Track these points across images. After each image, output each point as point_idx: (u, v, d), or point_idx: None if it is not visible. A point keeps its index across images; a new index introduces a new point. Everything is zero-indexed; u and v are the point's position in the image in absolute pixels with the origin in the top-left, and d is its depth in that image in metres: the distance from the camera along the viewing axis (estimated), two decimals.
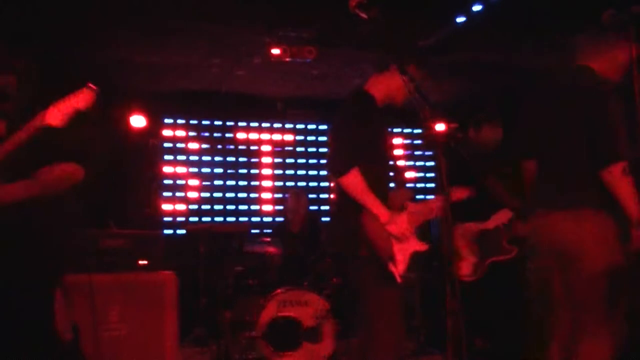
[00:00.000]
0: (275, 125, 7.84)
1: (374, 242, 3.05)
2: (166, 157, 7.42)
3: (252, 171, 7.70)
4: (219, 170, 7.58)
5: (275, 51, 5.62)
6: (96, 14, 4.96)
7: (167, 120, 7.46)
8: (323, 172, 7.89)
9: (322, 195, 7.86)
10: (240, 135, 7.69)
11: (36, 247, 2.45)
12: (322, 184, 7.89)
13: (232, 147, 7.65)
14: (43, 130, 2.18)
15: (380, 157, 3.22)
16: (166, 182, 7.38)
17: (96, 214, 5.39)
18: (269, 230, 7.25)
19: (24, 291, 2.36)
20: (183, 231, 7.23)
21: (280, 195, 7.66)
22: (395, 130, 8.15)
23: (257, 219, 7.63)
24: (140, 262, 4.84)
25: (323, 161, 7.89)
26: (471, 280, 4.29)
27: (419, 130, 8.05)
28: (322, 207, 7.80)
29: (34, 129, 2.17)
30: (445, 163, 2.86)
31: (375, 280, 3.07)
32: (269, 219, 7.65)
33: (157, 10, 5.05)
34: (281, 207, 7.49)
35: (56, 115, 2.17)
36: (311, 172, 7.88)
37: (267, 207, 7.69)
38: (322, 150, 7.91)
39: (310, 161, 7.90)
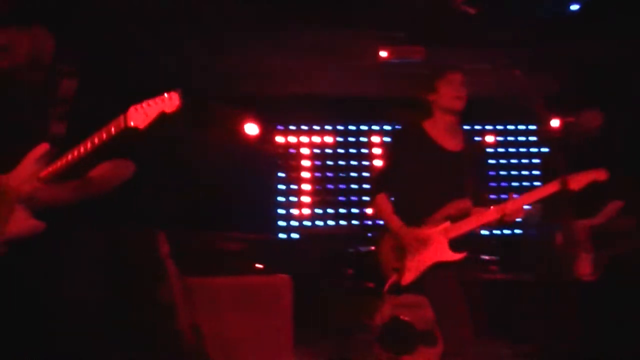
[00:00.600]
0: (387, 127, 7.79)
1: (380, 255, 3.57)
2: (280, 162, 7.57)
3: (364, 173, 7.67)
4: (331, 174, 7.63)
5: (382, 53, 5.60)
6: (206, 21, 5.13)
7: (279, 127, 7.61)
8: None
9: None
10: (352, 138, 7.70)
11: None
12: None
13: (343, 150, 7.67)
14: (125, 132, 2.09)
15: (420, 180, 3.53)
16: (280, 186, 7.53)
17: (216, 218, 5.60)
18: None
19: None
20: (297, 235, 7.34)
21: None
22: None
23: (370, 222, 7.60)
24: (257, 265, 4.98)
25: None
26: (591, 279, 4.08)
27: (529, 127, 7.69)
28: None
29: (116, 130, 2.11)
30: (563, 159, 2.73)
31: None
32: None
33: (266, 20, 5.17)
34: None
35: (141, 117, 2.08)
36: None
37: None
38: None
39: None
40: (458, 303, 3.34)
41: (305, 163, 7.62)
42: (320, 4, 4.93)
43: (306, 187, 7.57)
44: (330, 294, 5.71)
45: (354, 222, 7.54)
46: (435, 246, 3.39)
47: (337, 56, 6.11)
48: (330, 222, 7.51)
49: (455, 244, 3.37)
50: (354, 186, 7.64)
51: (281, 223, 7.46)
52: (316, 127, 7.66)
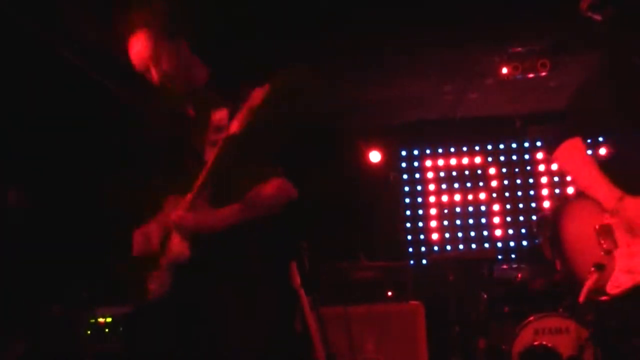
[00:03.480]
0: (513, 145, 7.54)
1: (566, 246, 2.28)
2: (406, 188, 7.52)
3: (493, 194, 7.47)
4: (458, 197, 7.47)
5: (504, 70, 5.46)
6: (327, 57, 5.24)
7: (403, 153, 7.57)
8: (570, 189, 7.39)
9: None
10: (477, 160, 7.52)
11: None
12: None
13: (469, 172, 7.51)
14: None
15: None
16: (407, 212, 7.46)
17: (346, 248, 5.65)
18: (514, 255, 6.98)
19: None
20: (426, 261, 7.22)
21: (522, 218, 7.34)
22: None
23: (500, 244, 7.35)
24: (389, 292, 4.95)
25: (569, 178, 7.40)
26: None
27: None
28: None
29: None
30: None
31: None
32: (513, 244, 7.33)
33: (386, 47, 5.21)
34: (524, 231, 7.25)
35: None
36: (557, 190, 7.42)
37: (511, 231, 7.38)
38: None
39: (555, 178, 7.44)
40: None
41: (431, 187, 7.51)
42: (435, 25, 4.89)
43: (433, 211, 7.45)
44: (465, 320, 5.55)
45: (485, 245, 7.33)
46: None
47: (457, 77, 6.04)
48: (460, 247, 7.34)
49: None
50: (482, 208, 7.44)
51: (410, 249, 7.38)
52: (440, 150, 7.56)
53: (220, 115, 2.31)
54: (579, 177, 2.36)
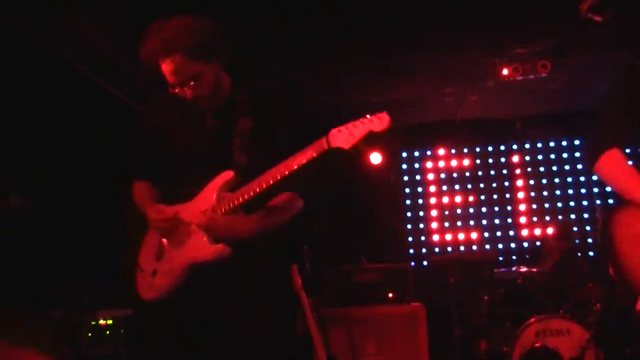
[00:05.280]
0: (514, 147, 7.55)
1: (619, 254, 2.22)
2: (406, 189, 7.53)
3: (494, 196, 7.47)
4: (458, 199, 7.47)
5: (505, 71, 5.46)
6: (330, 60, 5.24)
7: (404, 154, 7.58)
8: (570, 191, 7.40)
9: (572, 215, 7.34)
10: (478, 161, 7.52)
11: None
12: (571, 203, 7.39)
13: (469, 173, 7.51)
14: (326, 153, 2.15)
15: None
16: (408, 214, 7.46)
17: (348, 250, 5.65)
18: (515, 257, 6.98)
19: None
20: (426, 262, 7.22)
21: (524, 219, 7.35)
22: None
23: (501, 245, 7.35)
24: (390, 294, 4.96)
25: (569, 179, 7.41)
26: None
27: None
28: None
29: (318, 152, 2.16)
30: None
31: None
32: (514, 245, 7.33)
33: (388, 50, 5.21)
34: (525, 232, 7.26)
35: (345, 138, 2.15)
36: (557, 192, 7.41)
37: (511, 233, 7.38)
38: (566, 167, 7.44)
39: (555, 180, 7.44)
40: None
41: (432, 189, 7.51)
42: (435, 27, 4.89)
43: (434, 213, 7.45)
44: (466, 322, 5.55)
45: (487, 246, 7.32)
46: None
47: (458, 79, 6.04)
48: (461, 248, 7.34)
49: None
50: (483, 209, 7.44)
51: (411, 251, 7.37)
52: (440, 152, 7.56)
53: (244, 122, 2.38)
54: (622, 188, 2.31)
